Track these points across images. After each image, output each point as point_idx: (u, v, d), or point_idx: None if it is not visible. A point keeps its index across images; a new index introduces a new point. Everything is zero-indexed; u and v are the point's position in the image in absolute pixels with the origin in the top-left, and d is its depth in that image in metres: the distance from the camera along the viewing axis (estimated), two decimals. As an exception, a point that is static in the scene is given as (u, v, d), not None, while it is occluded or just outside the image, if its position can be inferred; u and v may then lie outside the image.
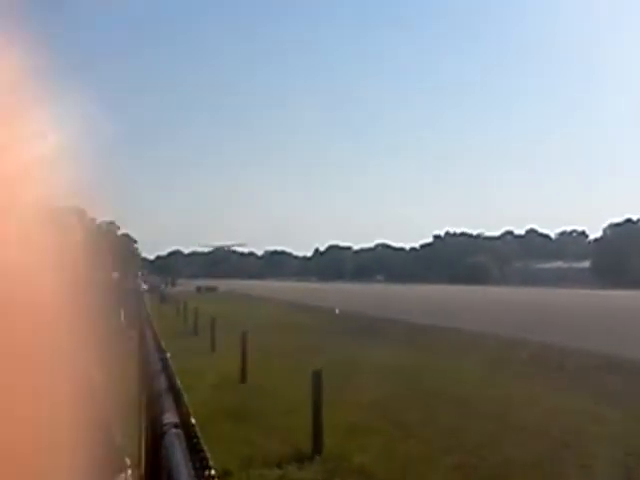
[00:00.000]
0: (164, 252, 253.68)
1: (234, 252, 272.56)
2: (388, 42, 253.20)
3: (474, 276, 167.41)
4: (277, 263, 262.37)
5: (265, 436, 10.27)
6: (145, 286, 45.01)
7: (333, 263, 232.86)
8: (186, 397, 3.17)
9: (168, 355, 5.38)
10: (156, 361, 5.48)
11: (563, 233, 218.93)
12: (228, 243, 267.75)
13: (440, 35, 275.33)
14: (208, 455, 2.22)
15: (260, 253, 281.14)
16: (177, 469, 2.19)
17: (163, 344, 7.14)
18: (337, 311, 43.16)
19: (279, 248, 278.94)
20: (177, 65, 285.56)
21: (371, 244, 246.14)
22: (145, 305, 24.11)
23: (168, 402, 3.29)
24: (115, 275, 25.58)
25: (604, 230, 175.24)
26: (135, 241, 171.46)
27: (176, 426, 2.65)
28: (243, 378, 15.38)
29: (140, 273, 48.52)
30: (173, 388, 3.67)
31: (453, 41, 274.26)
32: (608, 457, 9.27)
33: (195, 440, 2.39)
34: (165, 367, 4.83)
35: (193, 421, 2.66)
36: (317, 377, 9.41)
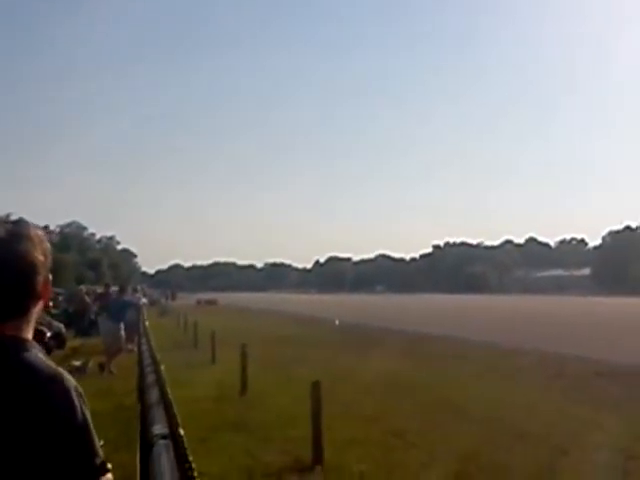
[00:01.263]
0: (164, 266, 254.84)
1: (234, 265, 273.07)
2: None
3: (474, 285, 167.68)
4: (277, 275, 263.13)
5: (265, 447, 10.25)
6: (145, 300, 44.99)
7: (333, 274, 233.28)
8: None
9: (162, 367, 5.40)
10: (151, 373, 5.51)
11: (563, 241, 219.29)
12: (230, 260, 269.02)
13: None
14: (194, 466, 2.23)
15: (260, 265, 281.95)
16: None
17: (159, 357, 7.15)
18: (337, 322, 43.21)
19: (279, 260, 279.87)
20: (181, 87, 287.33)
21: (371, 255, 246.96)
22: (144, 319, 24.13)
23: (159, 414, 3.31)
24: (114, 289, 25.63)
25: (603, 238, 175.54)
26: (135, 255, 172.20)
27: (164, 437, 2.67)
28: (243, 390, 15.38)
29: (140, 287, 48.50)
30: (165, 400, 3.69)
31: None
32: (607, 462, 9.29)
33: (182, 451, 2.40)
34: (159, 379, 4.85)
35: (182, 432, 2.67)
36: (316, 388, 9.40)
